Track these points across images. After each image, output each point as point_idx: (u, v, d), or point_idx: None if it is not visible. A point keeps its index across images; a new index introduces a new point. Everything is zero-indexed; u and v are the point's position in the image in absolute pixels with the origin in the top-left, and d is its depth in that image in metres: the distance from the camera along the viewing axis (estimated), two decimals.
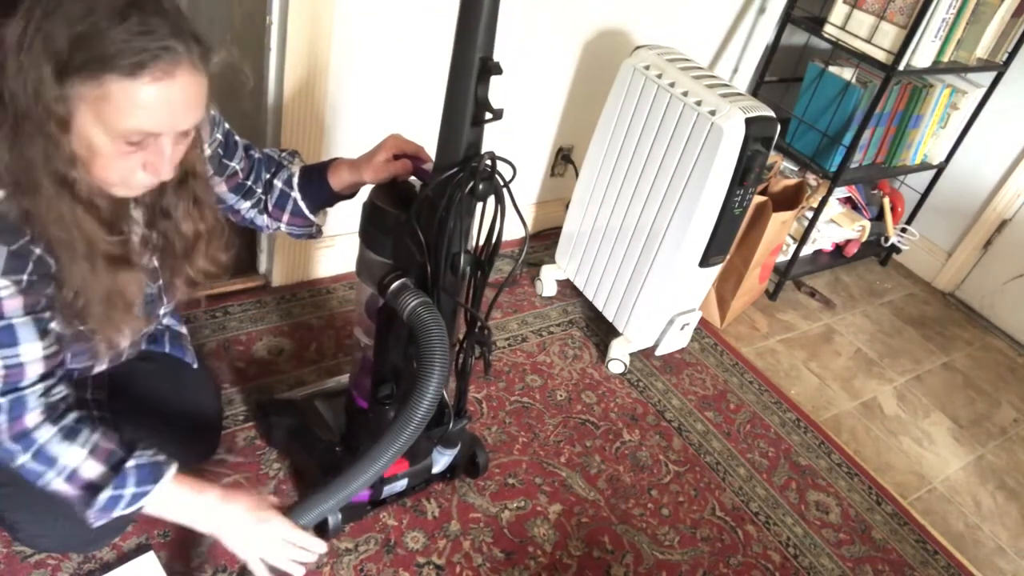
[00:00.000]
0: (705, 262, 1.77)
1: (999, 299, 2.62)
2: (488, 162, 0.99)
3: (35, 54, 0.77)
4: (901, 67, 2.01)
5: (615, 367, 1.92)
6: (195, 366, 1.37)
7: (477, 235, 1.10)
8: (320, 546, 1.10)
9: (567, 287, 2.15)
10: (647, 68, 1.73)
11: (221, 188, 1.18)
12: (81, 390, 1.20)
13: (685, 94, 1.64)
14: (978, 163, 2.57)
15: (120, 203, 0.96)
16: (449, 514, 1.45)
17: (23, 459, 0.94)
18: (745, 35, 2.32)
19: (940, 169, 2.56)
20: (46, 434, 0.95)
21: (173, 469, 1.03)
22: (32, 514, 1.13)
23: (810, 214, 2.28)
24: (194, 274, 1.10)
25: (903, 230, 2.72)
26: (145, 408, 1.26)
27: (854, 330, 2.41)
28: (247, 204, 1.23)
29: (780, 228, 2.07)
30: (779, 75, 2.46)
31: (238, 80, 0.99)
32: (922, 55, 2.06)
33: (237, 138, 1.17)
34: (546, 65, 1.98)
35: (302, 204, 1.21)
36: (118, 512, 0.99)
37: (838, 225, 2.57)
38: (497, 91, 0.94)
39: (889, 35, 2.04)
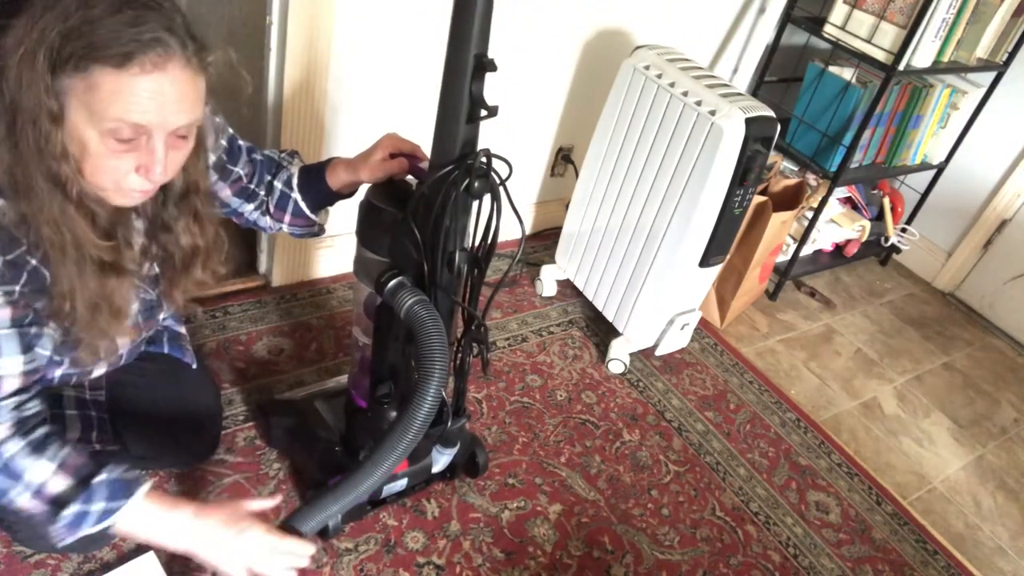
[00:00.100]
0: (705, 262, 1.77)
1: (999, 299, 2.62)
2: (483, 159, 0.99)
3: (30, 50, 0.77)
4: (901, 67, 2.01)
5: (615, 367, 1.92)
6: (194, 366, 1.37)
7: (474, 233, 1.10)
8: (308, 548, 1.07)
9: (567, 287, 2.15)
10: (647, 68, 1.73)
11: (225, 193, 1.18)
12: (79, 391, 1.20)
13: (685, 94, 1.64)
14: (978, 163, 2.57)
15: (120, 212, 0.96)
16: (449, 514, 1.45)
17: None
18: (745, 35, 2.32)
19: (940, 169, 2.56)
20: (13, 447, 0.91)
21: (146, 487, 0.98)
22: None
23: (810, 214, 2.28)
24: (192, 287, 1.10)
25: (903, 230, 2.72)
26: (144, 409, 1.26)
27: (854, 330, 2.41)
28: (250, 207, 1.23)
29: (780, 228, 2.07)
30: (779, 75, 2.46)
31: (237, 82, 0.99)
32: (922, 55, 2.06)
33: (241, 142, 1.17)
34: (546, 65, 1.98)
35: (302, 204, 1.21)
36: (86, 530, 0.94)
37: (838, 225, 2.56)
38: (497, 91, 0.94)
39: (889, 35, 2.04)
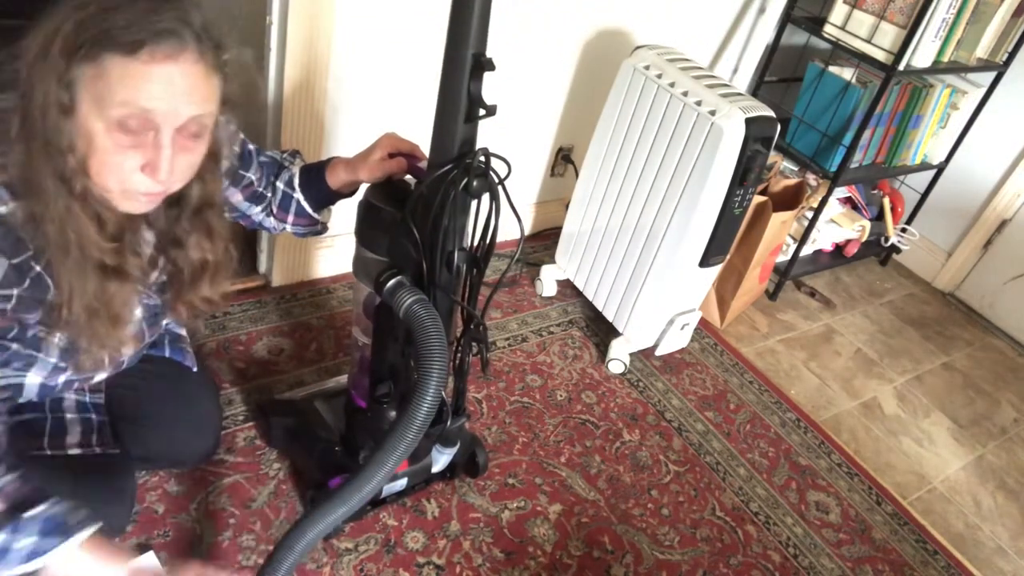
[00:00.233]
0: (705, 262, 1.77)
1: (999, 299, 2.62)
2: (482, 159, 0.99)
3: (46, 41, 0.77)
4: (901, 67, 2.01)
5: (615, 367, 1.92)
6: (195, 369, 1.36)
7: (473, 232, 1.10)
8: None
9: (567, 287, 2.15)
10: (647, 68, 1.73)
11: (237, 198, 1.19)
12: (79, 393, 1.20)
13: (685, 94, 1.64)
14: (978, 163, 2.57)
15: (129, 220, 0.94)
16: (449, 514, 1.45)
17: None
18: (745, 35, 2.32)
19: (940, 169, 2.56)
20: None
21: (86, 532, 0.89)
22: None
23: (810, 214, 2.28)
24: (198, 302, 1.09)
25: (903, 230, 2.72)
26: (144, 412, 1.26)
27: (854, 330, 2.41)
28: (257, 209, 1.23)
29: (780, 228, 2.07)
30: (779, 75, 2.46)
31: (247, 86, 0.98)
32: (922, 55, 2.06)
33: (250, 146, 1.17)
34: (546, 65, 1.98)
35: (305, 204, 1.21)
36: (10, 569, 0.85)
37: (838, 225, 2.56)
38: (496, 90, 0.94)
39: (889, 35, 2.04)
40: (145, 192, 0.87)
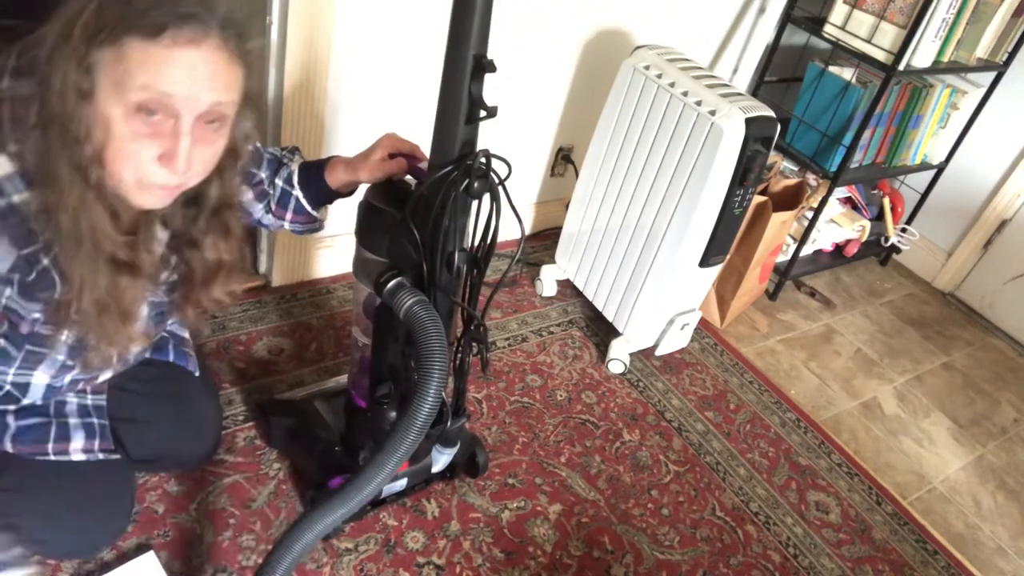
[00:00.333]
0: (705, 262, 1.77)
1: (999, 299, 2.62)
2: (483, 160, 0.99)
3: (67, 25, 0.76)
4: (901, 67, 2.01)
5: (615, 367, 1.92)
6: (197, 374, 1.36)
7: (473, 233, 1.10)
8: None
9: (567, 287, 2.15)
10: (647, 68, 1.73)
11: (248, 196, 1.18)
12: (80, 396, 1.19)
13: (685, 94, 1.64)
14: (978, 163, 2.57)
15: (143, 216, 0.93)
16: (449, 514, 1.45)
17: None
18: (745, 35, 2.32)
19: (940, 169, 2.56)
20: None
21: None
22: (36, 521, 1.13)
23: (810, 214, 2.28)
24: (207, 303, 1.08)
25: (903, 230, 2.72)
26: (145, 415, 1.25)
27: (854, 330, 2.41)
28: (259, 206, 1.23)
29: (780, 228, 2.07)
30: (779, 75, 2.46)
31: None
32: (922, 55, 2.06)
33: (258, 143, 1.16)
34: (546, 65, 1.98)
35: (304, 201, 1.21)
36: None
37: (838, 225, 2.56)
38: (497, 91, 0.94)
39: (889, 35, 2.04)
40: (161, 184, 0.85)
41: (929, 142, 2.47)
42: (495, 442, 1.63)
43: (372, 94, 1.72)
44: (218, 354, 1.65)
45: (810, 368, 2.18)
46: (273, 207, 1.23)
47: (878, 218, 2.71)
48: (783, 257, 2.37)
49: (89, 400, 1.21)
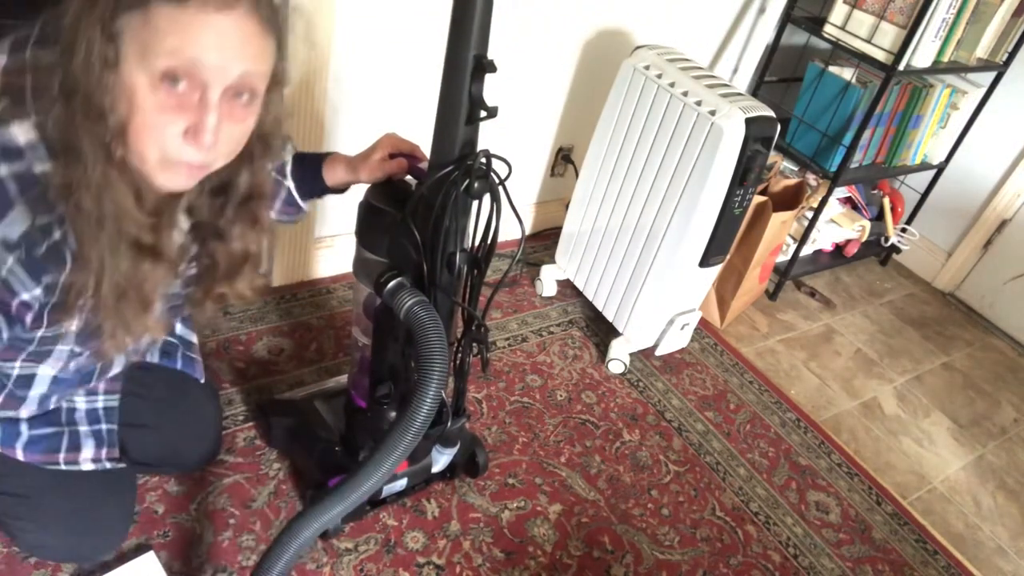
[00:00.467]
0: (705, 262, 1.77)
1: (999, 299, 2.62)
2: (483, 160, 0.99)
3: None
4: (901, 67, 2.01)
5: (615, 367, 1.92)
6: (202, 381, 1.35)
7: (473, 233, 1.10)
8: None
9: (567, 287, 2.15)
10: (647, 68, 1.73)
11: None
12: (91, 399, 1.18)
13: (685, 94, 1.64)
14: (978, 163, 2.57)
15: (167, 202, 0.89)
16: (449, 514, 1.45)
17: None
18: (745, 35, 2.32)
19: (940, 169, 2.56)
20: None
21: None
22: (38, 525, 1.13)
23: (810, 214, 2.28)
24: (232, 296, 1.04)
25: (903, 230, 2.72)
26: (146, 417, 1.25)
27: (854, 330, 2.41)
28: None
29: (780, 228, 2.07)
30: (779, 75, 2.46)
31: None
32: (922, 55, 2.06)
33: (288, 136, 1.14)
34: (546, 65, 1.98)
35: (295, 194, 1.19)
36: None
37: (838, 225, 2.56)
38: (497, 91, 0.94)
39: (889, 35, 2.04)
40: (186, 162, 0.80)
41: (929, 142, 2.47)
42: (495, 442, 1.63)
43: (372, 94, 1.72)
44: (218, 354, 1.65)
45: (810, 368, 2.18)
46: None
47: (878, 218, 2.71)
48: (783, 257, 2.37)
49: (100, 402, 1.19)
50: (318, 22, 1.51)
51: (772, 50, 2.33)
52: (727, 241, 1.79)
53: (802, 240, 2.31)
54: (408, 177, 1.15)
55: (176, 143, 0.78)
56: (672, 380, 1.95)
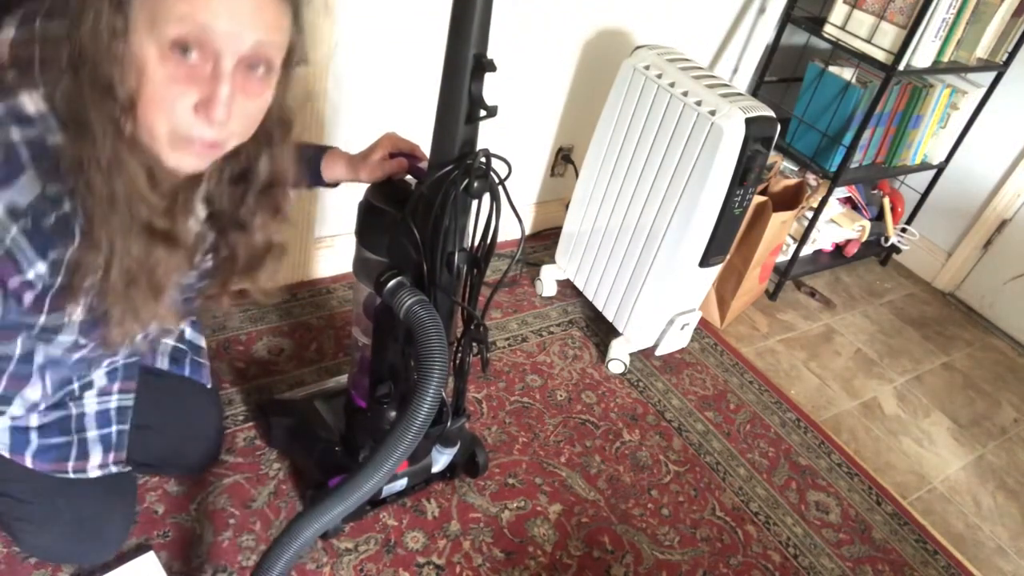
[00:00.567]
0: (705, 262, 1.77)
1: (999, 299, 2.62)
2: (483, 159, 0.99)
3: None
4: (901, 67, 2.01)
5: (615, 367, 1.92)
6: (209, 386, 1.34)
7: (473, 233, 1.10)
8: None
9: (567, 287, 2.15)
10: (647, 68, 1.73)
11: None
12: (103, 399, 1.15)
13: (685, 94, 1.64)
14: (978, 163, 2.57)
15: (182, 188, 0.86)
16: (449, 514, 1.45)
17: None
18: (745, 35, 2.32)
19: (940, 169, 2.56)
20: None
21: None
22: (40, 528, 1.13)
23: (810, 214, 2.28)
24: (253, 290, 1.00)
25: (903, 230, 2.72)
26: (149, 420, 1.23)
27: (854, 330, 2.41)
28: None
29: (780, 228, 2.07)
30: (779, 75, 2.46)
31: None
32: (922, 55, 2.06)
33: None
34: (546, 65, 1.98)
35: None
36: None
37: (838, 225, 2.56)
38: (497, 91, 0.94)
39: (889, 35, 2.04)
40: (198, 138, 0.77)
41: (929, 142, 2.47)
42: (495, 442, 1.63)
43: (372, 94, 1.72)
44: (218, 354, 1.65)
45: (810, 368, 2.18)
46: None
47: (878, 218, 2.71)
48: (783, 257, 2.37)
49: (113, 402, 1.16)
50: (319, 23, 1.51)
51: (772, 50, 2.33)
52: (727, 241, 1.79)
53: (802, 240, 2.31)
54: (408, 177, 1.15)
55: (187, 117, 0.75)
56: (672, 380, 1.95)
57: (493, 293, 1.16)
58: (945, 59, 2.17)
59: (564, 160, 2.25)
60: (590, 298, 2.02)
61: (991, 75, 2.38)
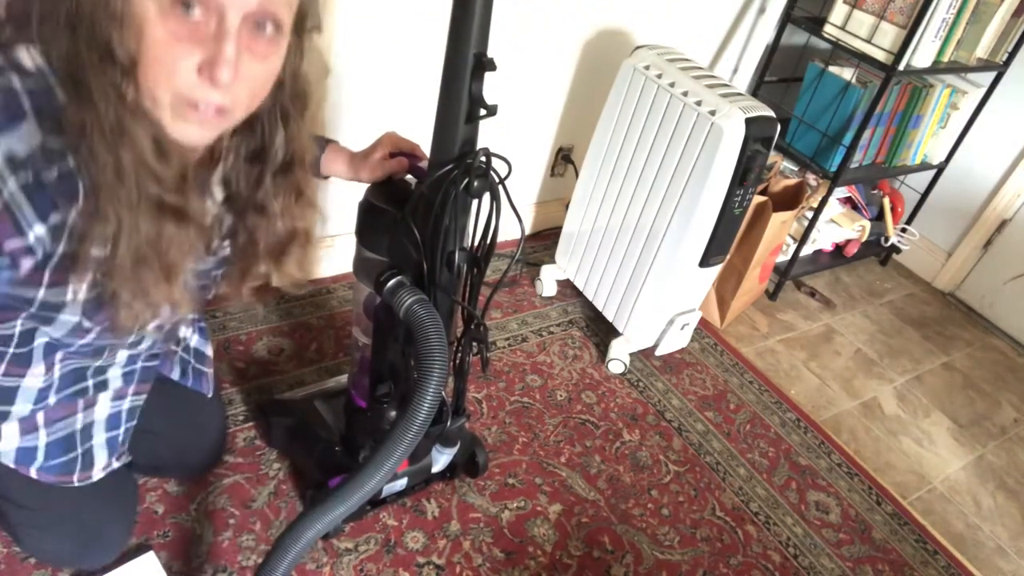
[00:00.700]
0: (705, 262, 1.77)
1: (999, 299, 2.62)
2: (483, 159, 0.99)
3: None
4: (901, 67, 2.01)
5: (615, 367, 1.92)
6: (209, 395, 1.31)
7: (473, 232, 1.10)
8: None
9: (567, 287, 2.15)
10: (647, 68, 1.73)
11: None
12: (116, 402, 1.12)
13: (685, 94, 1.64)
14: (978, 163, 2.57)
15: (195, 168, 0.82)
16: (449, 514, 1.45)
17: None
18: (745, 35, 2.32)
19: (940, 169, 2.56)
20: None
21: None
22: (42, 533, 1.13)
23: (810, 214, 2.28)
24: (278, 280, 0.96)
25: (903, 230, 2.72)
26: (152, 424, 1.22)
27: (854, 330, 2.41)
28: None
29: (780, 228, 2.07)
30: (779, 75, 2.46)
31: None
32: (922, 55, 2.06)
33: None
34: (546, 65, 1.98)
35: None
36: None
37: (838, 225, 2.56)
38: (497, 91, 0.94)
39: (889, 35, 2.04)
40: (202, 102, 0.72)
41: (929, 142, 2.47)
42: (495, 442, 1.63)
43: (372, 94, 1.72)
44: (218, 354, 1.65)
45: (810, 368, 2.18)
46: None
47: (878, 218, 2.71)
48: (783, 257, 2.37)
49: (126, 405, 1.13)
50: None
51: (772, 50, 2.33)
52: (727, 241, 1.79)
53: (802, 240, 2.31)
54: (408, 176, 1.15)
55: (190, 80, 0.70)
56: (672, 380, 1.95)
57: (493, 293, 1.16)
58: (945, 59, 2.17)
59: (564, 160, 2.25)
60: (590, 298, 2.02)
61: (991, 75, 2.38)
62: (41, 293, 0.81)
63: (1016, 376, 2.41)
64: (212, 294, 1.03)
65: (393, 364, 1.19)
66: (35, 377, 0.98)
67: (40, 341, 0.96)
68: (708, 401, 1.92)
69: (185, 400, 1.30)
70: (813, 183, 2.25)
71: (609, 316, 1.96)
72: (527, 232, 2.34)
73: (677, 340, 1.99)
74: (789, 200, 2.16)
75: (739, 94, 1.63)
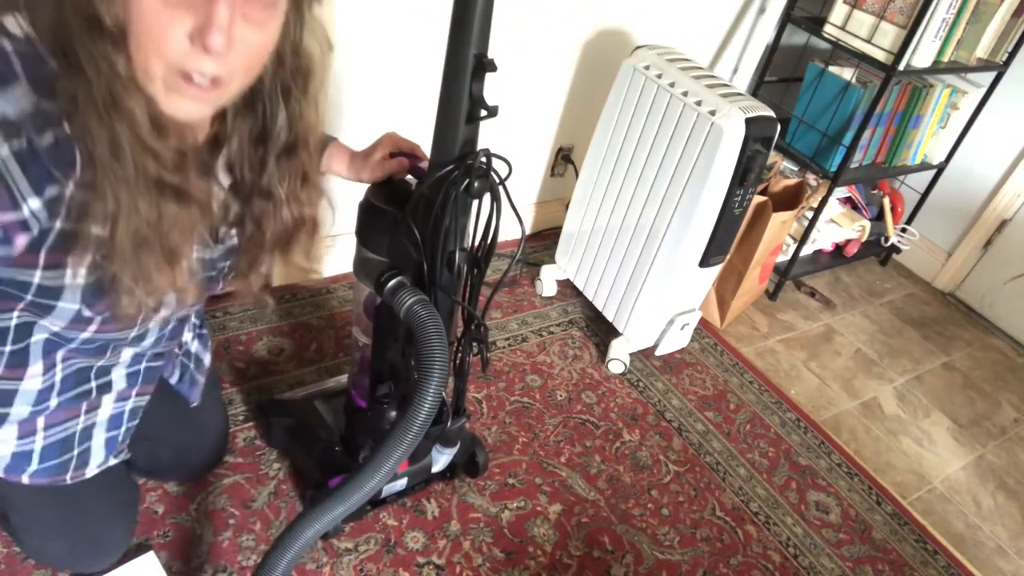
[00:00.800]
0: (705, 262, 1.77)
1: (999, 299, 2.62)
2: (483, 159, 0.99)
3: None
4: (901, 67, 2.01)
5: (615, 367, 1.92)
6: (195, 404, 1.28)
7: (473, 233, 1.10)
8: None
9: (567, 287, 2.15)
10: (647, 68, 1.73)
11: None
12: (119, 403, 1.10)
13: (685, 94, 1.64)
14: (978, 163, 2.57)
15: (197, 146, 0.80)
16: (449, 514, 1.45)
17: None
18: (745, 35, 2.32)
19: (940, 169, 2.56)
20: None
21: None
22: (42, 536, 1.13)
23: (810, 214, 2.28)
24: (288, 269, 0.93)
25: (903, 230, 2.72)
26: (153, 427, 1.20)
27: (854, 330, 2.41)
28: None
29: (780, 228, 2.07)
30: (779, 75, 2.46)
31: None
32: (922, 55, 2.06)
33: None
34: (546, 65, 1.98)
35: None
36: None
37: (838, 225, 2.56)
38: (497, 91, 0.94)
39: (889, 35, 2.04)
40: (196, 71, 0.68)
41: (929, 142, 2.47)
42: (495, 442, 1.63)
43: (372, 94, 1.72)
44: (218, 354, 1.65)
45: (810, 368, 2.18)
46: None
47: (878, 218, 2.71)
48: (783, 257, 2.37)
49: (129, 406, 1.11)
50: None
51: (772, 50, 2.33)
52: (727, 241, 1.79)
53: (802, 240, 2.31)
54: (408, 176, 1.15)
55: (182, 48, 0.66)
56: (672, 380, 1.95)
57: (493, 293, 1.16)
58: (945, 59, 2.17)
59: (564, 160, 2.25)
60: (590, 298, 2.02)
61: (991, 75, 2.38)
62: (38, 276, 0.78)
63: (1016, 376, 2.41)
64: (220, 287, 1.01)
65: (393, 364, 1.19)
66: (34, 378, 0.96)
67: (39, 337, 0.92)
68: (708, 401, 1.92)
69: (186, 404, 1.29)
70: (813, 183, 2.25)
71: (609, 316, 1.96)
72: (527, 232, 2.34)
73: (677, 340, 1.99)
74: (789, 200, 2.16)
75: (739, 94, 1.63)
